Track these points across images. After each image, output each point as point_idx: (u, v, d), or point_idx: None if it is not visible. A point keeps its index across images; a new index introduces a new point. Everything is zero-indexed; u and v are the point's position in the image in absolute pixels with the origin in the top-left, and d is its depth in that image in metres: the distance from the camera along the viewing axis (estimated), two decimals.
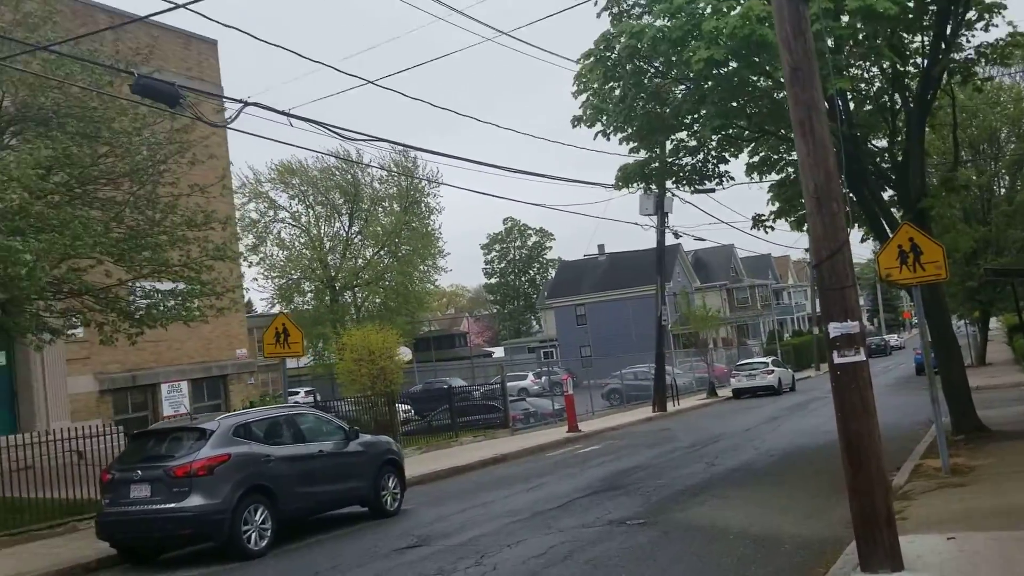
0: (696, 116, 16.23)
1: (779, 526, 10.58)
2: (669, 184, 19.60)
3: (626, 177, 18.60)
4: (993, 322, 54.04)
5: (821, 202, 7.82)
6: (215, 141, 28.18)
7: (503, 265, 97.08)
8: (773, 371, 39.45)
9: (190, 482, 11.11)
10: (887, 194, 18.16)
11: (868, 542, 7.40)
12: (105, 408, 22.92)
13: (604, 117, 16.71)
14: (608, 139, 17.18)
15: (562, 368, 47.80)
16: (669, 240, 36.80)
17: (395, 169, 49.59)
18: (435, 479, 18.73)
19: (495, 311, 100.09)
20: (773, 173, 18.96)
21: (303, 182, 50.97)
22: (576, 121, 17.18)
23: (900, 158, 17.37)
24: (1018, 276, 25.95)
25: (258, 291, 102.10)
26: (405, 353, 45.73)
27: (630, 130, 16.90)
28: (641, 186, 19.26)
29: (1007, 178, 40.96)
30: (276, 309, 50.29)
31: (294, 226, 51.22)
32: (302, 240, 51.29)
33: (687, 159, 18.44)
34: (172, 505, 11.10)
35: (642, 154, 18.15)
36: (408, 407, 33.60)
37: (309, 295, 51.58)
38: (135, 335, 16.79)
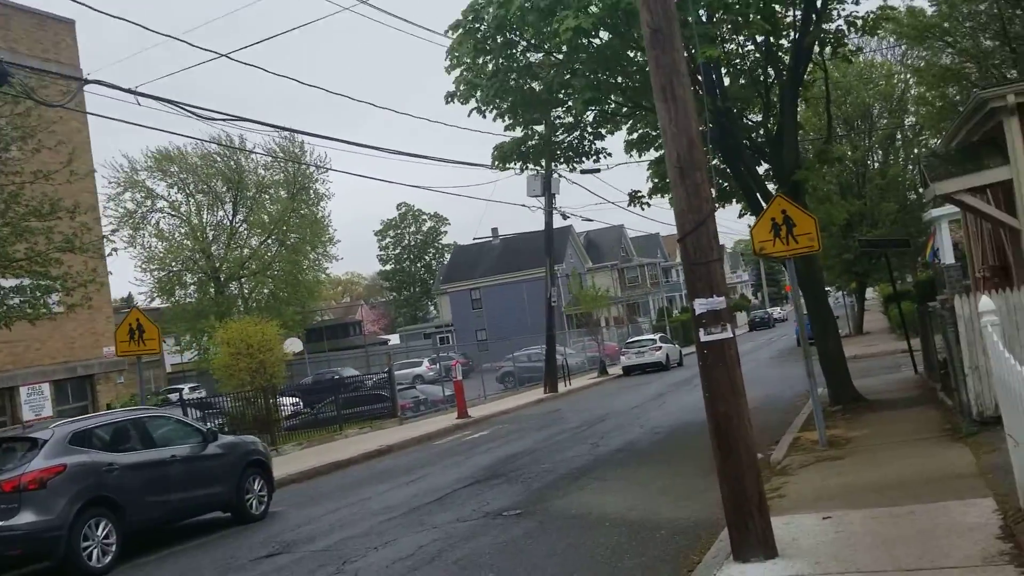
0: (568, 91, 15.78)
1: (658, 510, 10.24)
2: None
3: (503, 156, 18.11)
4: (869, 292, 56.07)
5: (684, 172, 7.34)
6: (74, 127, 26.46)
7: (398, 251, 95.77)
8: (661, 348, 39.79)
9: (19, 497, 10.12)
10: (762, 168, 18.13)
11: (740, 530, 7.03)
12: None
13: (478, 93, 16.12)
14: (484, 116, 16.66)
15: (457, 353, 47.20)
16: (559, 222, 36.59)
17: (280, 154, 47.84)
18: (314, 476, 17.91)
19: (391, 298, 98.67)
20: (652, 150, 18.72)
21: (182, 169, 48.64)
22: (449, 97, 16.57)
23: (775, 132, 17.33)
24: (891, 247, 26.69)
25: (135, 284, 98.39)
26: (294, 344, 44.30)
27: (504, 106, 16.37)
28: (519, 165, 18.73)
29: (880, 153, 42.40)
30: (156, 303, 48.09)
31: (173, 216, 48.92)
32: (183, 230, 49.01)
33: (564, 136, 18.01)
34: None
35: (518, 131, 17.65)
36: (297, 400, 32.42)
37: (192, 287, 49.39)
38: None
